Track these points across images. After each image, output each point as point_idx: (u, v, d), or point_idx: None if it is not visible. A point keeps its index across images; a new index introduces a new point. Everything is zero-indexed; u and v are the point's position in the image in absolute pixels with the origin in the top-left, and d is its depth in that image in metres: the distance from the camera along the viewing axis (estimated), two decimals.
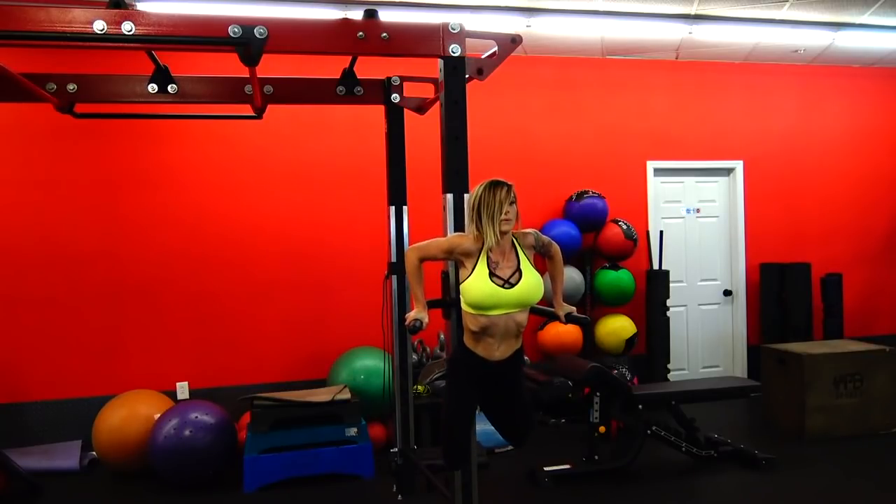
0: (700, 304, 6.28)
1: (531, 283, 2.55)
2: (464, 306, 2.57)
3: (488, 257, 2.51)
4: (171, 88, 3.33)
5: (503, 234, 2.53)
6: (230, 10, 4.30)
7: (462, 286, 2.53)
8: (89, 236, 4.86)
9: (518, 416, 2.77)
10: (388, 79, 3.61)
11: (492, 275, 2.49)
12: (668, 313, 5.73)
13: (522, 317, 2.59)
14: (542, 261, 2.81)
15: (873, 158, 6.57)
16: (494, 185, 2.53)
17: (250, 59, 2.48)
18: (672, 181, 6.17)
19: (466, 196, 2.59)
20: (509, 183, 2.56)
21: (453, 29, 2.63)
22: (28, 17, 2.26)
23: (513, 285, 2.51)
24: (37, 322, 4.77)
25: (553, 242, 2.78)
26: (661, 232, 5.87)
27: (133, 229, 4.93)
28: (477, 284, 2.48)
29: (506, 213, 2.51)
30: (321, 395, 4.34)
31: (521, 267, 2.56)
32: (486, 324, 2.53)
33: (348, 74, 3.55)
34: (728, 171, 6.30)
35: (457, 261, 2.57)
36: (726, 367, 6.35)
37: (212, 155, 5.08)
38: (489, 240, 2.49)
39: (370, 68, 3.52)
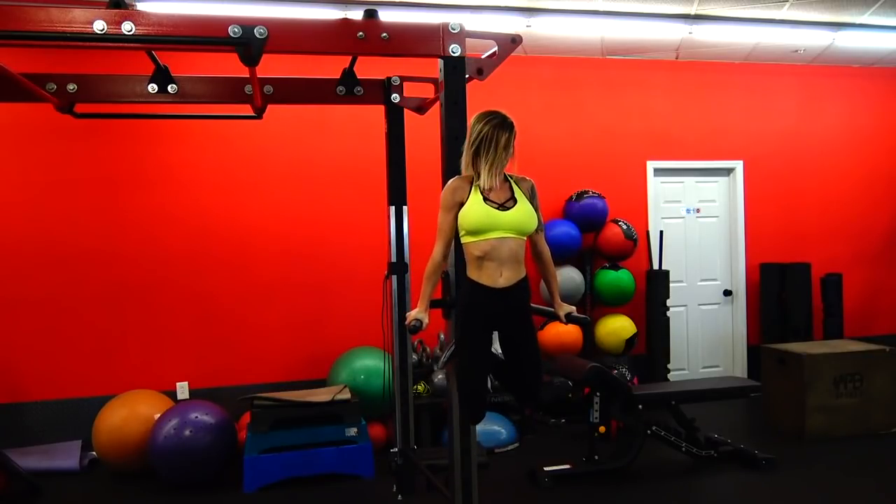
0: (700, 304, 6.28)
1: (526, 210, 2.55)
2: (464, 239, 2.56)
3: (480, 187, 2.52)
4: (171, 88, 3.34)
5: (498, 178, 2.52)
6: (230, 10, 4.30)
7: (460, 217, 2.53)
8: (89, 236, 4.86)
9: (529, 361, 2.69)
10: (388, 79, 3.61)
11: (486, 199, 2.50)
12: (668, 313, 5.73)
13: (520, 244, 2.57)
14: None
15: (873, 158, 6.57)
16: (499, 127, 2.51)
17: (250, 59, 2.48)
18: (672, 181, 6.17)
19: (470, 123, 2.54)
20: (511, 122, 2.55)
21: (453, 29, 2.64)
22: (28, 17, 2.27)
23: (508, 209, 2.51)
24: (37, 322, 4.77)
25: (535, 186, 2.71)
26: (661, 232, 5.87)
27: (133, 229, 4.93)
28: (473, 209, 2.49)
29: (505, 157, 2.51)
30: (321, 395, 4.34)
31: (516, 196, 2.56)
32: (487, 248, 2.51)
33: (348, 74, 3.55)
34: (728, 171, 6.30)
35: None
36: (726, 367, 6.35)
37: (212, 155, 5.08)
38: (483, 183, 2.50)
39: (370, 68, 3.53)
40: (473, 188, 2.52)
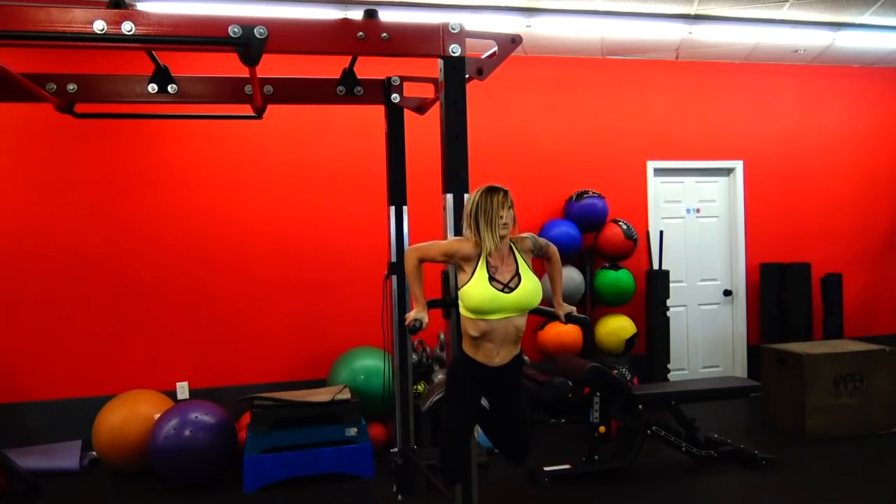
0: (700, 304, 6.28)
1: (530, 288, 2.56)
2: (463, 312, 2.57)
3: (487, 262, 2.52)
4: (171, 88, 3.33)
5: (501, 238, 2.54)
6: (230, 10, 4.30)
7: (461, 291, 2.53)
8: (89, 236, 4.86)
9: (519, 430, 2.78)
10: (388, 79, 3.61)
11: (491, 279, 2.50)
12: (668, 313, 5.73)
13: (521, 321, 2.60)
14: (540, 262, 2.81)
15: (873, 158, 6.57)
16: (491, 191, 2.54)
17: (250, 59, 2.47)
18: (672, 181, 6.17)
19: (466, 197, 2.59)
20: (505, 188, 2.57)
21: (453, 29, 2.63)
22: (28, 17, 2.26)
23: (512, 289, 2.52)
24: (37, 322, 4.77)
25: (550, 244, 2.78)
26: (661, 232, 5.87)
27: (133, 229, 4.93)
28: (477, 289, 2.49)
29: (503, 219, 2.52)
30: (321, 395, 4.34)
31: (520, 271, 2.57)
32: (486, 329, 2.53)
33: (348, 74, 3.55)
34: (728, 171, 6.30)
35: (456, 265, 2.58)
36: (726, 367, 6.35)
37: (212, 155, 5.08)
38: (487, 245, 2.50)
39: (370, 68, 3.52)
40: (480, 263, 2.51)
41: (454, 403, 2.66)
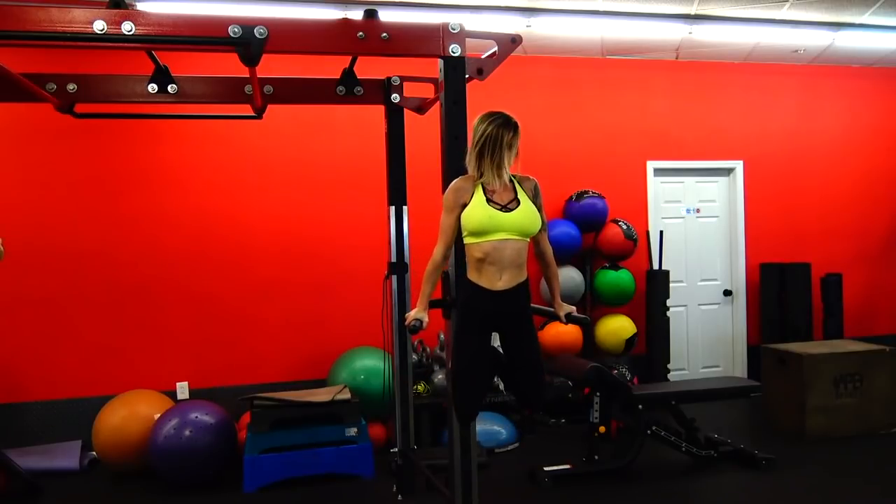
0: (700, 304, 6.28)
1: (529, 211, 2.55)
2: (466, 240, 2.56)
3: (484, 188, 2.52)
4: (171, 88, 3.34)
5: (504, 177, 2.53)
6: (230, 10, 4.30)
7: (463, 218, 2.53)
8: (89, 236, 4.85)
9: (534, 369, 2.67)
10: (388, 79, 3.61)
11: (489, 200, 2.50)
12: (668, 313, 5.73)
13: (522, 246, 2.57)
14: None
15: (873, 158, 6.57)
16: (503, 126, 2.52)
17: (250, 59, 2.48)
18: (672, 181, 6.17)
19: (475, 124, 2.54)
20: (516, 121, 2.55)
21: (453, 29, 2.64)
22: (28, 17, 2.27)
23: (510, 210, 2.51)
24: (36, 322, 4.77)
25: (539, 185, 2.72)
26: (661, 232, 5.86)
27: (133, 229, 4.93)
28: (475, 210, 2.49)
29: (509, 156, 2.52)
30: (321, 395, 4.34)
31: (519, 197, 2.56)
32: (488, 249, 2.51)
33: (348, 74, 3.55)
34: (728, 171, 6.30)
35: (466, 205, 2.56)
36: (726, 367, 6.35)
37: (212, 155, 5.08)
38: (487, 179, 2.51)
39: (370, 68, 3.53)
40: (477, 189, 2.52)
41: (462, 338, 2.61)
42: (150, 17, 2.36)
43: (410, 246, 3.80)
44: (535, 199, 2.63)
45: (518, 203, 2.54)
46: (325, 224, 5.25)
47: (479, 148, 2.51)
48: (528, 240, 2.60)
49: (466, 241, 2.56)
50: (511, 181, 2.59)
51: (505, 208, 2.51)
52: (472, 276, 2.58)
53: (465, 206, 2.53)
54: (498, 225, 2.49)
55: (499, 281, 2.55)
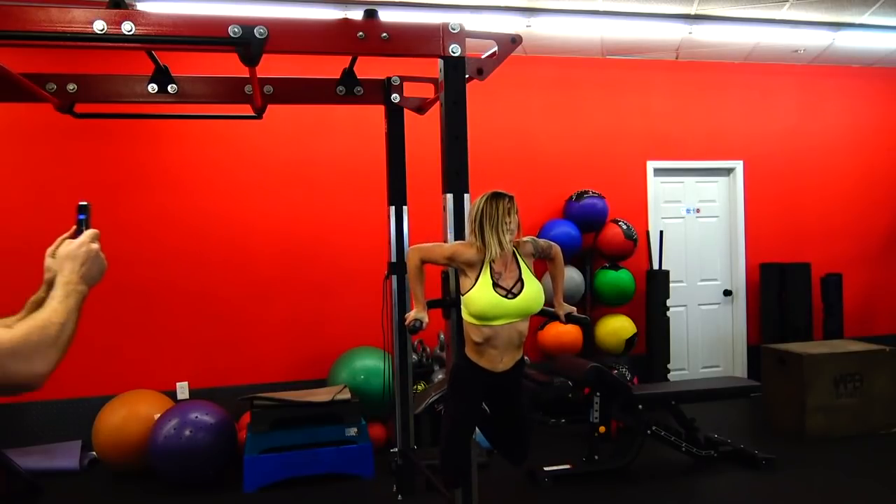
0: (700, 304, 6.28)
1: (533, 293, 2.57)
2: (466, 317, 2.57)
3: (491, 268, 2.52)
4: (171, 88, 3.33)
5: (505, 244, 2.54)
6: (230, 10, 4.30)
7: (465, 297, 2.53)
8: None
9: (520, 431, 2.81)
10: (388, 79, 3.61)
11: (495, 285, 2.51)
12: (668, 313, 5.73)
13: (524, 326, 2.61)
14: (541, 261, 2.81)
15: (873, 158, 6.57)
16: (496, 197, 2.56)
17: (250, 59, 2.47)
18: (672, 181, 6.17)
19: (467, 200, 2.59)
20: (510, 194, 2.59)
21: (453, 29, 2.63)
22: (28, 17, 2.26)
23: (515, 295, 2.53)
24: None
25: (553, 244, 2.78)
26: (661, 232, 5.86)
27: (133, 229, 4.93)
28: (481, 295, 2.49)
29: (508, 224, 2.53)
30: (321, 395, 4.34)
31: (523, 276, 2.58)
32: (490, 334, 2.53)
33: (348, 74, 3.54)
34: (728, 171, 6.30)
35: (458, 269, 2.58)
36: (726, 367, 6.35)
37: (212, 155, 5.08)
38: (492, 251, 2.50)
39: (370, 68, 3.52)
40: (484, 270, 2.51)
41: (457, 409, 2.67)
42: (150, 17, 2.36)
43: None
44: (537, 254, 2.68)
45: (522, 286, 2.55)
46: (325, 224, 5.25)
47: (479, 220, 2.53)
48: (529, 318, 2.64)
49: (467, 319, 2.57)
50: (515, 256, 2.61)
51: (510, 293, 2.52)
52: (472, 355, 2.61)
53: (464, 265, 2.53)
54: (503, 312, 2.52)
55: (500, 363, 2.60)
